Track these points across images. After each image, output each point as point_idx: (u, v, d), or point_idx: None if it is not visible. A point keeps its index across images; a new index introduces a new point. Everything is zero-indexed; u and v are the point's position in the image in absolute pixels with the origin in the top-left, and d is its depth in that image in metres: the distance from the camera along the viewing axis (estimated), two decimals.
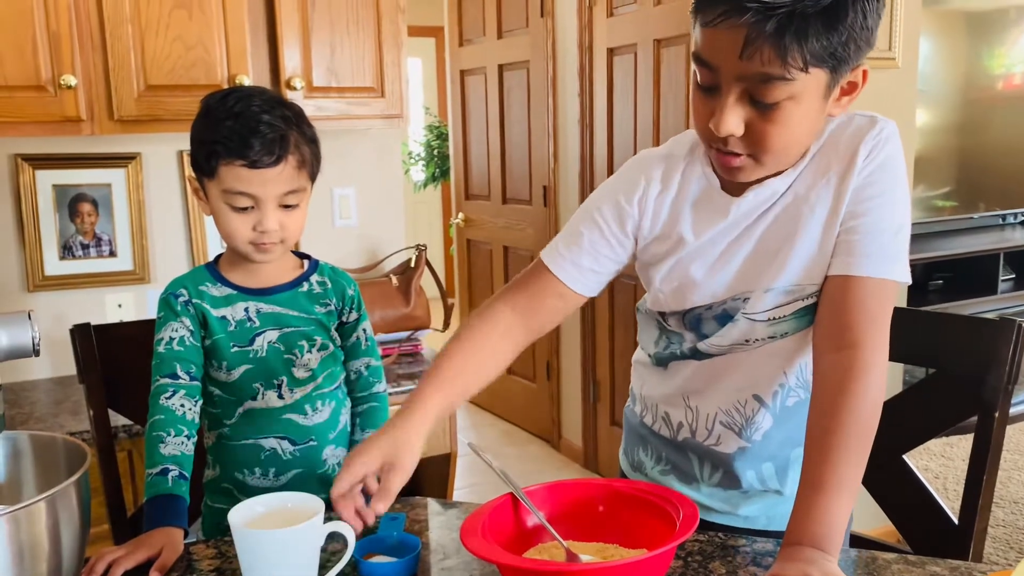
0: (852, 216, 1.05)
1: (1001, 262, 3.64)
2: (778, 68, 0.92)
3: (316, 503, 1.02)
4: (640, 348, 1.29)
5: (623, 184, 1.16)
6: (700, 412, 1.19)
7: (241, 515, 1.01)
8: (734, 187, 1.10)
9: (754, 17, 0.89)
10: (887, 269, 1.03)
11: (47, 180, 2.23)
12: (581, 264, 1.15)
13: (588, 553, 1.02)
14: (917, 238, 3.54)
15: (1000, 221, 4.08)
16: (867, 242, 1.04)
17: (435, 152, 6.78)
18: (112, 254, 2.32)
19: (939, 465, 3.46)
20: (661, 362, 1.23)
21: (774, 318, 1.11)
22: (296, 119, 1.25)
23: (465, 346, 1.13)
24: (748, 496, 1.20)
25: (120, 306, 2.34)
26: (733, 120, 0.97)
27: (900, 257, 1.04)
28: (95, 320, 1.58)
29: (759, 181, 1.08)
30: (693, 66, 1.00)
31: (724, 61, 0.95)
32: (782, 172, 1.08)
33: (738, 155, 1.02)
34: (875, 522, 1.77)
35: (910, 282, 1.05)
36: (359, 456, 1.02)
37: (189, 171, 1.28)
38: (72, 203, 2.27)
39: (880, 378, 1.00)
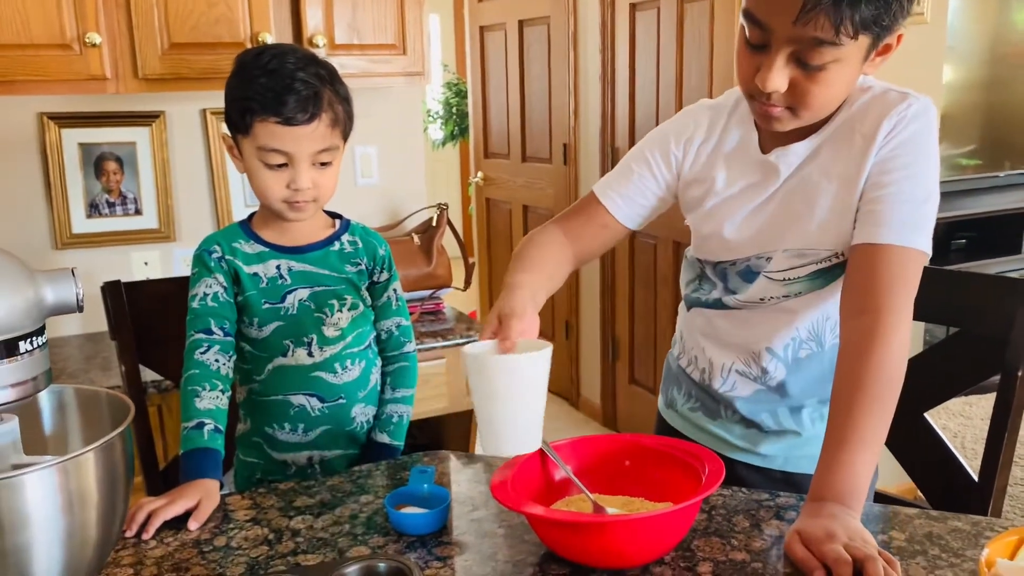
0: (876, 187, 1.08)
1: None
2: (831, 35, 0.95)
3: (542, 340, 1.03)
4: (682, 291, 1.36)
5: (674, 127, 1.25)
6: (715, 363, 1.26)
7: (476, 348, 1.01)
8: (767, 145, 1.15)
9: None
10: (909, 238, 1.05)
11: (73, 139, 2.25)
12: (628, 195, 1.24)
13: (614, 506, 1.04)
14: (941, 196, 3.52)
15: None
16: (889, 212, 1.06)
17: (454, 110, 6.75)
18: (138, 212, 2.34)
19: (958, 424, 3.47)
20: (688, 304, 1.31)
21: (789, 279, 1.16)
22: (330, 77, 1.26)
23: (533, 251, 1.21)
24: (767, 435, 1.25)
25: (146, 264, 2.37)
26: (780, 79, 1.01)
27: (923, 228, 1.06)
28: (123, 277, 1.60)
29: (783, 144, 1.12)
30: (742, 20, 1.03)
31: (778, 24, 0.97)
32: (806, 136, 1.12)
33: (777, 106, 1.06)
34: (895, 479, 1.79)
35: (930, 254, 1.07)
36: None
37: (224, 129, 1.29)
38: (97, 161, 2.29)
39: (903, 342, 1.03)
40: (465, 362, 0.98)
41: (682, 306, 1.35)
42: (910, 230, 1.05)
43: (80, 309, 0.83)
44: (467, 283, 2.66)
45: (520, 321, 1.01)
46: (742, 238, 1.18)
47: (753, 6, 1.00)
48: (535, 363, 0.97)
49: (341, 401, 1.37)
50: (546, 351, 0.99)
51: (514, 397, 0.97)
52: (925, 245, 1.06)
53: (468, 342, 2.25)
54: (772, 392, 1.23)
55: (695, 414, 1.31)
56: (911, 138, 1.07)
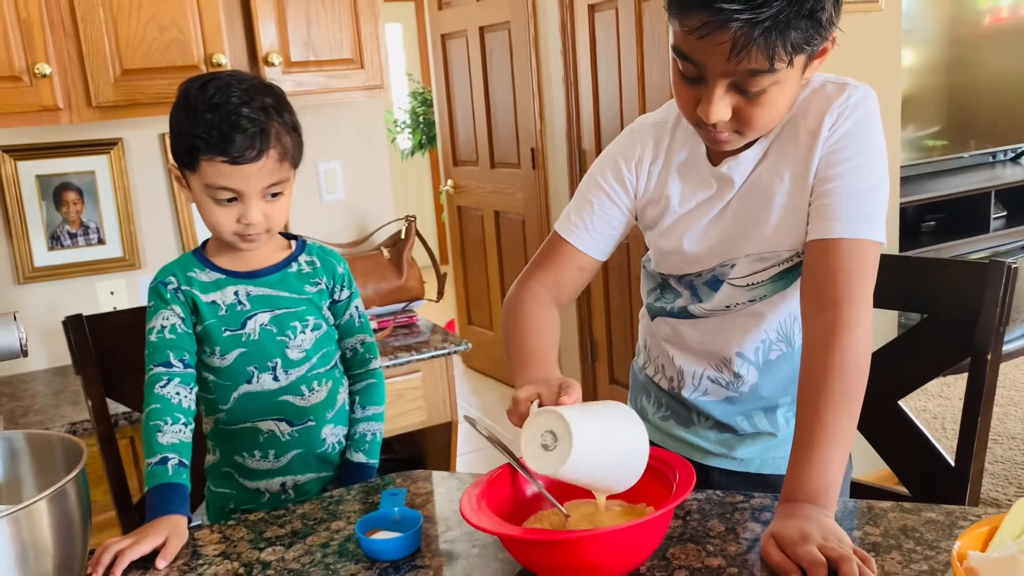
0: (824, 181, 1.07)
1: (992, 200, 3.64)
2: (765, 65, 0.95)
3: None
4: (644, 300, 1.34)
5: (621, 150, 1.22)
6: (685, 371, 1.25)
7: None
8: (716, 156, 1.15)
9: (741, 27, 0.91)
10: (862, 230, 1.05)
11: (30, 171, 2.21)
12: (594, 229, 1.21)
13: (589, 511, 1.03)
14: (908, 180, 3.55)
15: (991, 159, 4.08)
16: (840, 205, 1.06)
17: (420, 119, 6.72)
18: (100, 241, 2.31)
19: (937, 405, 3.49)
20: (652, 313, 1.29)
21: (752, 283, 1.16)
22: (276, 107, 1.24)
23: (530, 328, 1.17)
24: (742, 438, 1.24)
25: (112, 293, 2.34)
26: (722, 109, 1.01)
27: (874, 217, 1.06)
28: (89, 308, 1.58)
29: (732, 153, 1.12)
30: (673, 55, 1.01)
31: (710, 62, 0.97)
32: (754, 143, 1.12)
33: (723, 132, 1.05)
34: (873, 466, 1.79)
35: (884, 243, 1.07)
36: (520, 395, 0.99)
37: (171, 160, 1.27)
38: (57, 192, 2.25)
39: (864, 334, 1.02)
40: (610, 407, 0.97)
41: (643, 315, 1.34)
42: (861, 221, 1.05)
43: (24, 354, 0.81)
44: (440, 294, 2.64)
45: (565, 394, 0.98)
46: (702, 250, 1.18)
47: (682, 44, 0.98)
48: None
49: (310, 423, 1.35)
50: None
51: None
52: (878, 235, 1.06)
53: (446, 353, 2.25)
54: (745, 395, 1.22)
55: (667, 423, 1.30)
56: (853, 128, 1.07)
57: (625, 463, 0.97)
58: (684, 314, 1.23)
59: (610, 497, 1.06)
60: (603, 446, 0.93)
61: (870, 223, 1.05)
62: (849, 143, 1.07)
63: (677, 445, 1.27)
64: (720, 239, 1.16)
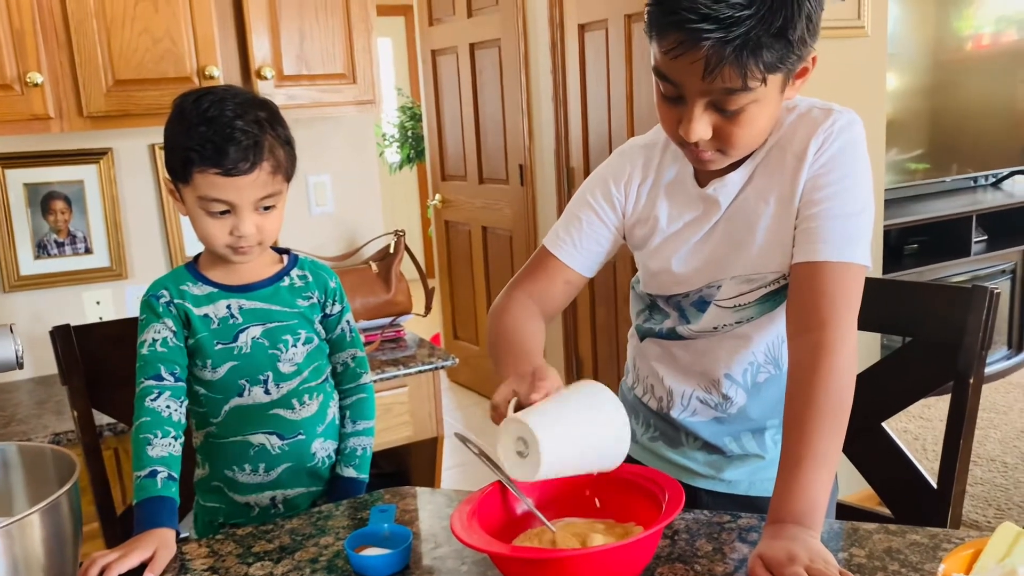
0: (810, 204, 1.09)
1: (974, 224, 3.69)
2: (739, 83, 0.97)
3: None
4: (632, 321, 1.35)
5: (611, 170, 1.24)
6: (675, 392, 1.26)
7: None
8: (704, 177, 1.16)
9: (713, 46, 0.94)
10: (847, 253, 1.06)
11: (18, 179, 2.20)
12: (582, 245, 1.23)
13: (579, 529, 1.03)
14: (891, 203, 3.59)
15: (972, 183, 4.13)
16: (825, 228, 1.07)
17: (409, 133, 6.74)
18: (88, 251, 2.30)
19: (918, 426, 3.52)
20: (641, 334, 1.30)
21: (739, 305, 1.17)
22: (270, 121, 1.25)
23: (515, 329, 1.18)
24: (730, 460, 1.25)
25: (98, 303, 2.32)
26: (702, 128, 1.03)
27: (859, 241, 1.08)
28: (74, 318, 1.57)
29: (719, 175, 1.14)
30: (655, 77, 1.04)
31: (687, 81, 1.00)
32: (739, 165, 1.13)
33: (706, 151, 1.08)
34: (857, 486, 1.80)
35: (869, 266, 1.09)
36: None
37: (164, 172, 1.27)
38: (44, 201, 2.24)
39: (849, 356, 1.04)
40: (581, 396, 0.96)
41: (632, 335, 1.35)
42: (847, 244, 1.07)
43: (20, 367, 0.81)
44: (427, 308, 2.64)
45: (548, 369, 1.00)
46: (689, 270, 1.19)
47: (661, 65, 1.01)
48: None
49: (300, 437, 1.35)
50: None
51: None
52: (862, 258, 1.07)
53: (433, 368, 2.25)
54: (734, 417, 1.23)
55: (655, 443, 1.31)
56: (839, 153, 1.09)
57: (605, 448, 0.97)
58: (673, 335, 1.24)
59: (598, 516, 1.07)
60: (575, 443, 0.94)
61: (855, 246, 1.07)
62: (834, 167, 1.09)
63: (665, 466, 1.28)
64: (707, 260, 1.18)
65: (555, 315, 1.28)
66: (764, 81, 0.98)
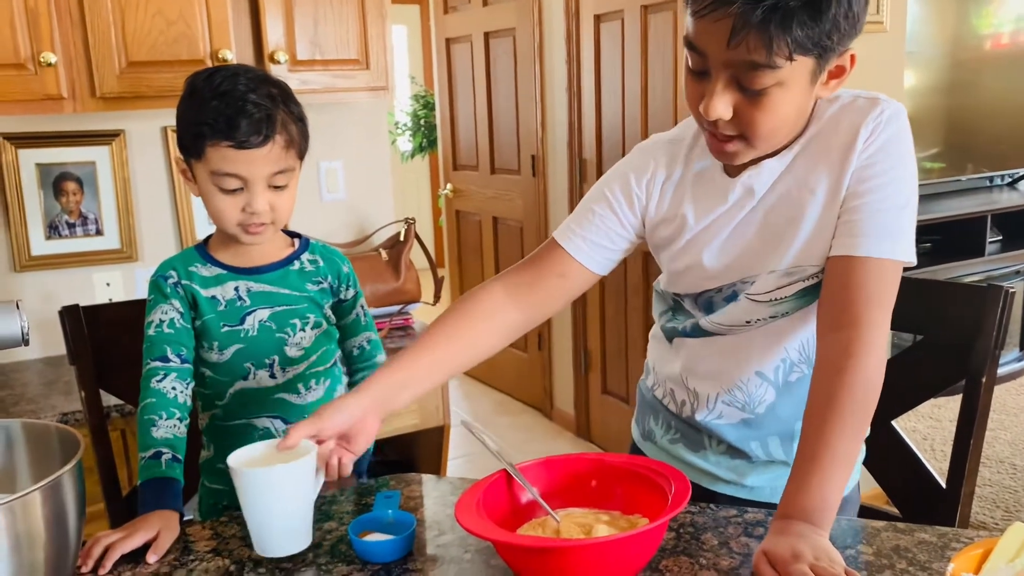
0: (854, 196, 1.05)
1: (988, 224, 3.65)
2: (764, 56, 0.94)
3: (309, 445, 1.04)
4: (656, 322, 1.31)
5: (633, 166, 1.19)
6: (700, 394, 1.21)
7: (239, 457, 1.06)
8: (734, 169, 1.12)
9: (741, 7, 0.91)
10: (888, 248, 1.03)
11: (30, 159, 2.21)
12: (592, 239, 1.17)
13: (585, 520, 1.03)
14: None
15: (988, 183, 4.09)
16: (868, 222, 1.04)
17: (422, 122, 6.73)
18: (99, 232, 2.30)
19: (927, 426, 3.50)
20: (668, 336, 1.26)
21: (776, 299, 1.12)
22: (283, 97, 1.24)
23: (440, 329, 1.16)
24: (755, 466, 1.21)
25: (108, 284, 2.33)
26: (721, 105, 0.99)
27: (903, 236, 1.04)
28: (84, 299, 1.57)
29: (754, 163, 1.09)
30: (685, 51, 1.01)
31: (712, 48, 0.96)
32: (777, 153, 1.09)
33: (729, 139, 1.04)
34: (865, 485, 1.79)
35: (914, 262, 1.05)
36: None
37: (176, 152, 1.27)
38: (56, 182, 2.25)
39: (879, 358, 1.01)
40: (232, 474, 1.03)
41: (655, 336, 1.30)
42: (888, 240, 1.03)
43: (26, 343, 0.80)
44: (436, 297, 2.64)
45: (328, 424, 1.04)
46: (722, 265, 1.14)
47: (691, 34, 0.99)
48: (269, 476, 1.02)
49: None
50: (290, 466, 1.01)
51: (260, 507, 1.03)
52: (903, 253, 1.04)
53: None
54: (762, 417, 1.18)
55: (675, 446, 1.27)
56: (887, 144, 1.05)
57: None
58: (698, 332, 1.19)
59: (604, 507, 1.06)
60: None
61: (895, 241, 1.03)
62: (881, 158, 1.05)
63: (685, 470, 1.22)
64: (742, 252, 1.13)
65: (546, 311, 1.21)
66: (790, 58, 0.94)
